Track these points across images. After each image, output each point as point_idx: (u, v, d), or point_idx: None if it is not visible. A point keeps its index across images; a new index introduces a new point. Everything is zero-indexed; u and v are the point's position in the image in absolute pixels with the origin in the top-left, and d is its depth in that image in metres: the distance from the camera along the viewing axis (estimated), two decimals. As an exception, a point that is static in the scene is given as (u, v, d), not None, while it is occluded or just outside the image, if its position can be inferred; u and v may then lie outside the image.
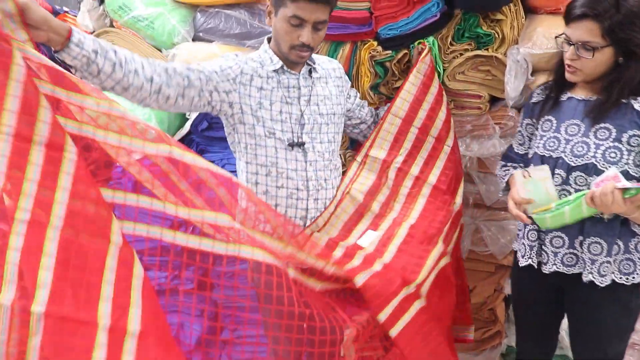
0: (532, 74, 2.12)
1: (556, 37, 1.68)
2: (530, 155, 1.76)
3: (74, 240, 1.14)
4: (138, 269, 1.22)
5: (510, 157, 1.91)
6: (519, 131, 1.89)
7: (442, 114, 2.00)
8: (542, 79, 2.11)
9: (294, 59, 1.69)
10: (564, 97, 1.70)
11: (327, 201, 1.82)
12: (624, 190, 1.43)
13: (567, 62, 1.60)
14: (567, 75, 1.63)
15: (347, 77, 1.97)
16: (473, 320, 2.20)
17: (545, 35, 2.06)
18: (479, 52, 2.14)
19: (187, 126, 2.37)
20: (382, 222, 1.83)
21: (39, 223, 1.12)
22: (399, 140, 1.94)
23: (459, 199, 1.99)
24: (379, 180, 1.90)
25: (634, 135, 1.54)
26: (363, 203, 1.84)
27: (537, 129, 1.75)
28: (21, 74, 1.12)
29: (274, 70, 1.73)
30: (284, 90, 1.73)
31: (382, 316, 1.52)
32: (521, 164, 1.84)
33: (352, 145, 2.28)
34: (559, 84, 1.72)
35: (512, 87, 2.10)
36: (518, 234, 1.83)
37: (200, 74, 1.62)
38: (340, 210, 1.81)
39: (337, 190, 1.84)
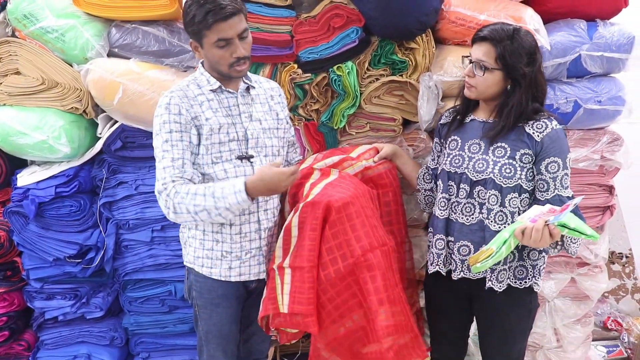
0: (442, 100, 2.27)
1: (463, 56, 1.87)
2: (438, 172, 1.89)
3: None
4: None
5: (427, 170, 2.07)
6: (432, 149, 2.04)
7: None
8: (451, 104, 2.24)
9: (236, 75, 1.74)
10: (467, 119, 1.89)
11: (275, 210, 1.90)
12: (561, 226, 1.57)
13: (465, 78, 1.79)
14: (465, 91, 1.83)
15: (284, 101, 2.02)
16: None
17: (455, 64, 2.22)
18: (393, 77, 2.25)
19: (99, 145, 2.26)
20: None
21: None
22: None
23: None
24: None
25: (525, 154, 1.74)
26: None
27: (445, 147, 1.89)
28: None
29: (212, 91, 1.76)
30: (226, 109, 1.77)
31: None
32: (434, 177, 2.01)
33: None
34: (464, 107, 1.90)
35: (425, 111, 2.23)
36: (429, 245, 1.95)
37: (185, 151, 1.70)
38: None
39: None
